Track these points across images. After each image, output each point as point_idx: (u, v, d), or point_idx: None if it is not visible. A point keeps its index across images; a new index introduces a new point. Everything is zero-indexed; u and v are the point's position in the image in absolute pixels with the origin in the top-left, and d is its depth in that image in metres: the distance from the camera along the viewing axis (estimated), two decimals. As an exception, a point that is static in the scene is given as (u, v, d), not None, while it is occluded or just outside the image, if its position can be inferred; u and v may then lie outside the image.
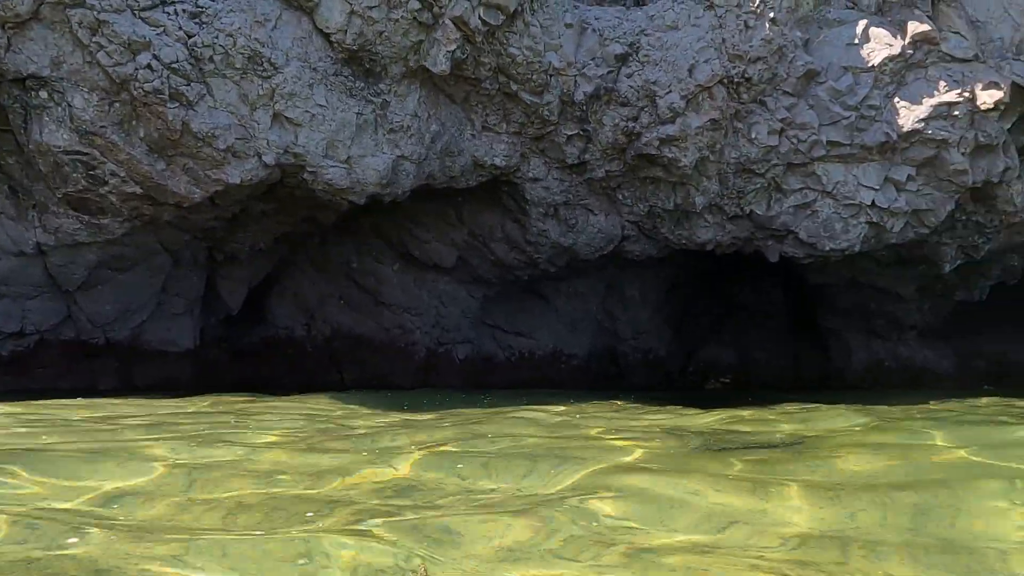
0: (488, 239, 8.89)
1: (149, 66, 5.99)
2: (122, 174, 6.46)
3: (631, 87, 7.43)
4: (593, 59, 7.40)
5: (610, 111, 7.56)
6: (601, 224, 8.48)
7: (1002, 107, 7.02)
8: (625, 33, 7.49)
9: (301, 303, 9.53)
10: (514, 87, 7.30)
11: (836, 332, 10.96)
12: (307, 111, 6.52)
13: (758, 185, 7.91)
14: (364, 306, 9.48)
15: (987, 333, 10.32)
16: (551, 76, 7.28)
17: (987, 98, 6.98)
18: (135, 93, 6.06)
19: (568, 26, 7.35)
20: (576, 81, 7.38)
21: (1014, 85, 7.02)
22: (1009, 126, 7.29)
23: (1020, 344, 10.48)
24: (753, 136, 7.64)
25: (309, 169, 6.71)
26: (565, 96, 7.39)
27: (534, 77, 7.21)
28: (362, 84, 6.84)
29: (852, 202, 7.73)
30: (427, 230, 9.10)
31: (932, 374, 10.38)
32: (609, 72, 7.45)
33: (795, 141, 7.60)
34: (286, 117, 6.52)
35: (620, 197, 8.28)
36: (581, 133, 7.66)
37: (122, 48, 5.96)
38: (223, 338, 9.23)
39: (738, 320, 11.94)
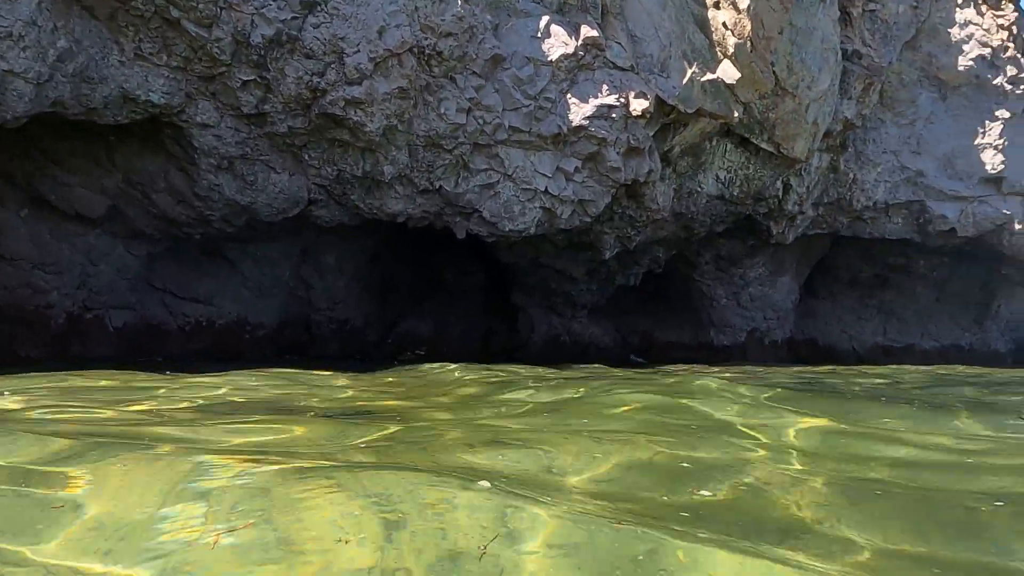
0: (149, 188, 7.69)
1: None
2: None
3: (317, 39, 6.93)
4: (275, 0, 6.72)
5: (293, 61, 6.96)
6: (284, 184, 7.87)
7: (648, 115, 8.04)
8: (314, -21, 6.94)
9: None
10: (175, 13, 6.31)
11: (523, 308, 11.85)
12: None
13: (447, 161, 8.01)
14: (-26, 258, 7.57)
15: (638, 313, 12.05)
16: (222, 9, 6.44)
17: (637, 106, 7.94)
18: None
19: (247, -43, 6.56)
20: (253, 21, 6.64)
21: (657, 98, 8.08)
22: (653, 133, 8.40)
23: (663, 323, 12.45)
24: (442, 111, 7.69)
25: None
26: (239, 35, 6.61)
27: (200, 7, 6.31)
28: (-51, -32, 5.28)
29: (529, 187, 8.26)
30: (69, 171, 7.56)
31: (596, 347, 11.80)
32: (294, 18, 6.84)
33: (481, 122, 7.84)
34: None
35: (306, 157, 7.75)
36: (259, 80, 6.95)
37: None
38: None
39: (439, 294, 12.25)
